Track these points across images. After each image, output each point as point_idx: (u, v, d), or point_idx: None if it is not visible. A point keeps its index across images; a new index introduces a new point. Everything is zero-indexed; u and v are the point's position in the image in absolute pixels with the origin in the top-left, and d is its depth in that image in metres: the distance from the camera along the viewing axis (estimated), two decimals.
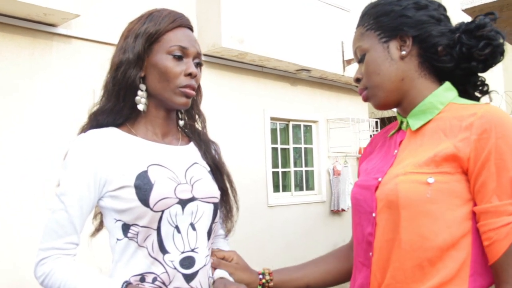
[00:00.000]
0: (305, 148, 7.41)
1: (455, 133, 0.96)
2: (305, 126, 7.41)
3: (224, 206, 1.29)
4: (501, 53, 1.02)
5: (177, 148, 1.23)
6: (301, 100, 7.15)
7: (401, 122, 1.12)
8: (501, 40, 1.01)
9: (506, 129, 0.91)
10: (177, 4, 5.54)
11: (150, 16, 1.20)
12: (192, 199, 1.14)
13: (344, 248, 1.31)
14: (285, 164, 7.07)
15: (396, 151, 1.08)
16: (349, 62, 7.10)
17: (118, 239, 1.11)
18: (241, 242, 6.32)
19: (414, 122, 1.06)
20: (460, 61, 1.03)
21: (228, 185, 1.31)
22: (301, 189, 7.29)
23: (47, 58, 4.37)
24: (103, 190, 1.11)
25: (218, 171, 1.29)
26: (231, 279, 1.19)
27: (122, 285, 1.04)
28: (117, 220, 1.11)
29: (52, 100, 4.30)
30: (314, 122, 7.45)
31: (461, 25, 1.04)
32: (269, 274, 1.25)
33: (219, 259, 1.22)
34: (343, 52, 7.11)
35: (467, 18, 4.13)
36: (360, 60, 1.11)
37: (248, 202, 6.13)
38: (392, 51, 1.06)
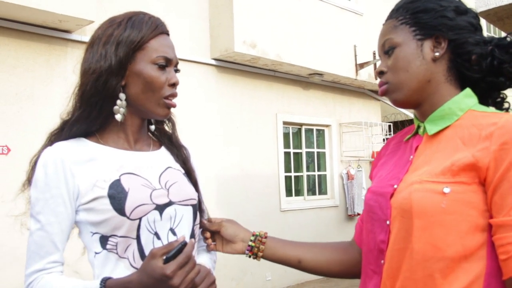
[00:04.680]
0: (317, 152, 7.39)
1: (474, 142, 0.93)
2: (317, 130, 7.40)
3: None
4: None
5: (149, 154, 1.20)
6: (314, 104, 7.14)
7: (418, 127, 1.10)
8: None
9: None
10: (189, 9, 5.58)
11: (129, 21, 1.14)
12: (170, 203, 1.12)
13: (345, 243, 1.29)
14: (298, 168, 7.06)
15: (411, 156, 1.05)
16: (361, 66, 7.07)
17: (96, 253, 1.08)
18: None
19: (431, 127, 1.04)
20: (488, 74, 1.02)
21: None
22: (313, 193, 7.26)
23: (62, 64, 4.44)
24: (77, 203, 1.07)
25: (189, 175, 1.25)
26: (208, 266, 1.17)
27: (101, 283, 1.00)
28: (94, 233, 1.07)
29: (67, 106, 4.34)
30: (327, 126, 7.43)
31: (492, 39, 1.03)
32: (264, 233, 1.26)
33: (209, 218, 1.24)
34: (355, 56, 7.08)
35: (481, 21, 4.10)
36: (387, 52, 1.07)
37: (261, 207, 6.13)
38: (425, 50, 1.03)
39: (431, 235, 0.92)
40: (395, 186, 1.02)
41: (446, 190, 0.92)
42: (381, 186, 1.07)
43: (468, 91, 1.03)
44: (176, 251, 0.96)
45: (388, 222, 1.01)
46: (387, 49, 1.07)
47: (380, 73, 1.09)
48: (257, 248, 1.23)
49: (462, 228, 0.91)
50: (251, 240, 1.23)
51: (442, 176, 0.93)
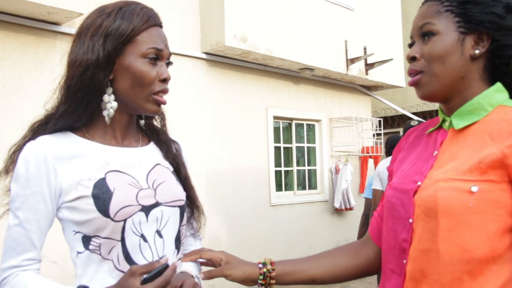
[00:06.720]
0: (308, 147, 7.40)
1: (503, 138, 0.89)
2: (308, 125, 7.40)
3: (190, 207, 1.21)
4: None
5: (137, 150, 1.15)
6: (304, 99, 7.15)
7: (443, 121, 1.05)
8: None
9: None
10: (180, 2, 5.54)
11: (120, 11, 1.07)
12: (156, 204, 1.08)
13: (355, 244, 1.24)
14: (288, 163, 7.07)
15: (436, 152, 1.01)
16: (352, 61, 7.08)
17: (78, 252, 1.04)
18: (243, 241, 6.33)
19: (458, 122, 0.99)
20: None
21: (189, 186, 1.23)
22: (303, 188, 7.28)
23: (51, 57, 4.38)
24: (59, 200, 1.04)
25: (180, 172, 1.21)
26: (194, 272, 1.13)
27: None
28: (76, 232, 1.04)
29: (53, 99, 4.30)
30: (317, 121, 7.45)
31: None
32: (271, 263, 1.18)
33: (209, 271, 1.15)
34: (346, 50, 7.09)
35: None
36: (423, 36, 1.00)
37: (251, 201, 6.13)
38: (466, 45, 0.96)
39: (458, 235, 0.88)
40: (419, 183, 0.97)
41: (474, 188, 0.88)
42: (403, 182, 1.02)
43: (499, 85, 0.98)
44: (156, 273, 0.94)
45: (410, 220, 0.97)
46: (423, 33, 1.00)
47: (412, 59, 1.02)
48: (267, 283, 1.18)
49: (490, 229, 0.87)
50: (260, 279, 1.17)
51: (469, 174, 0.89)
